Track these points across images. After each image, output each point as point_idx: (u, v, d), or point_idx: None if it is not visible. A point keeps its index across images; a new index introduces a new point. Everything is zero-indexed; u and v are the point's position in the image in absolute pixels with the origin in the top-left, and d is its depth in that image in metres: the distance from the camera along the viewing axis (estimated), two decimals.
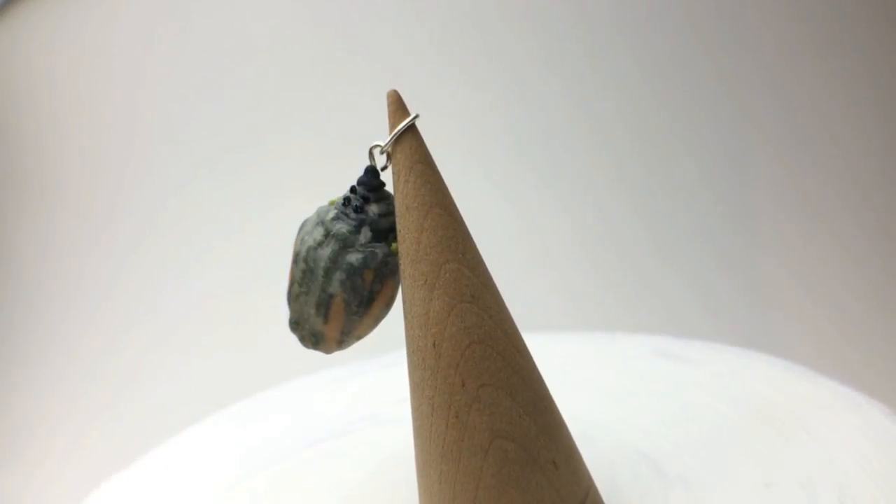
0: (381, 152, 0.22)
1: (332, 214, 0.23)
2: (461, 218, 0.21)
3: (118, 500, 0.32)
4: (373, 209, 0.22)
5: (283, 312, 0.75)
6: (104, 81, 0.70)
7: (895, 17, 0.64)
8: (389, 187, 0.22)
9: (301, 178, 0.68)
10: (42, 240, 0.73)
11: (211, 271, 0.70)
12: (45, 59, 0.70)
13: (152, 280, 0.70)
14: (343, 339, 0.23)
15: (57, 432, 0.67)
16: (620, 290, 0.66)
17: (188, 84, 0.69)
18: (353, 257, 0.22)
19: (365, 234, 0.22)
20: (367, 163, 0.22)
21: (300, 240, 0.23)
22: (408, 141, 0.21)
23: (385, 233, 0.22)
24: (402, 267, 0.21)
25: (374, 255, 0.22)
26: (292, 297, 0.23)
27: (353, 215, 0.22)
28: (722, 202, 0.67)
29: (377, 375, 0.39)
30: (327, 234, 0.22)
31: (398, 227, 0.21)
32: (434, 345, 0.20)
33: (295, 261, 0.23)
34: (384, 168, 0.22)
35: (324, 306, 0.23)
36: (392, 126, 0.21)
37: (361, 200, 0.22)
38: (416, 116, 0.21)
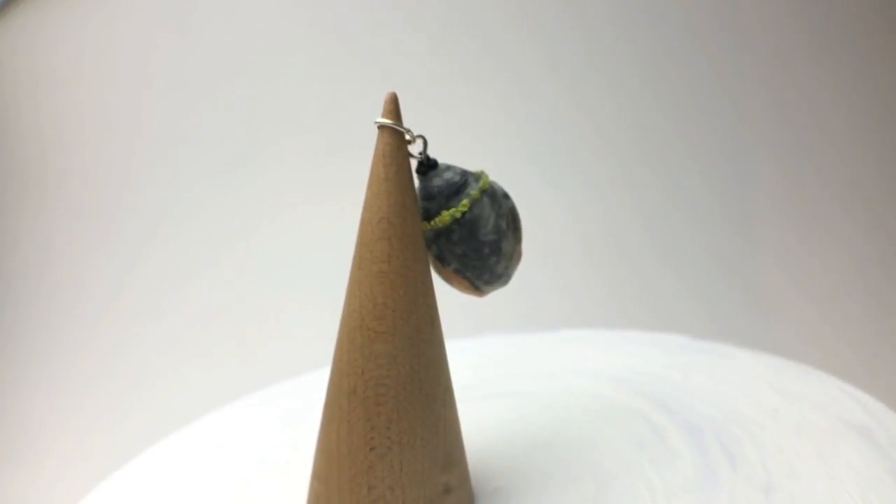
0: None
1: None
2: (374, 226, 0.24)
3: (124, 494, 0.32)
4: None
5: (285, 315, 0.75)
6: (107, 82, 0.70)
7: (894, 21, 0.65)
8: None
9: (305, 182, 0.68)
10: (44, 242, 0.73)
11: (214, 273, 0.70)
12: (47, 59, 0.70)
13: (155, 283, 0.71)
14: None
15: (60, 433, 0.68)
16: (621, 290, 0.66)
17: (192, 85, 0.69)
18: None
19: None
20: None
21: None
22: (377, 146, 0.24)
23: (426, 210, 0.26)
24: None
25: None
26: None
27: None
28: (722, 205, 0.67)
29: None
30: None
31: None
32: None
33: None
34: (424, 155, 0.25)
35: None
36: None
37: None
38: (382, 125, 0.24)
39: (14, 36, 0.70)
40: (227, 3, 0.68)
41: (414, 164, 0.25)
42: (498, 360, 0.41)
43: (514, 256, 0.27)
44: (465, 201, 0.25)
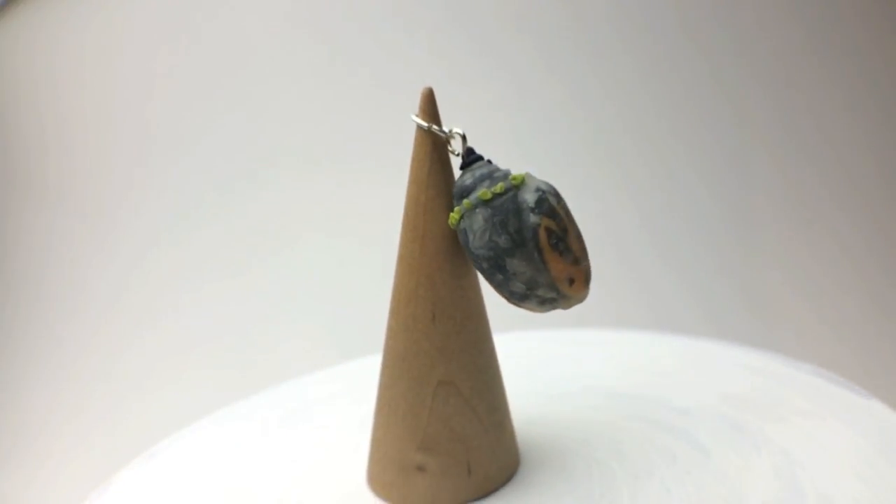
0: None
1: None
2: (409, 216, 0.25)
3: (138, 487, 0.32)
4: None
5: (284, 317, 0.74)
6: (108, 82, 0.70)
7: (894, 21, 0.65)
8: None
9: (307, 185, 0.68)
10: (45, 244, 0.73)
11: (214, 275, 0.70)
12: (47, 59, 0.70)
13: (156, 284, 0.70)
14: None
15: (60, 433, 0.68)
16: (621, 290, 0.66)
17: (194, 86, 0.69)
18: None
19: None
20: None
21: None
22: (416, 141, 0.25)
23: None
24: None
25: None
26: None
27: None
28: (721, 205, 0.67)
29: None
30: None
31: None
32: None
33: None
34: (462, 152, 0.25)
35: None
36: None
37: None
38: (414, 120, 0.25)
39: (14, 36, 0.70)
40: (232, 4, 0.68)
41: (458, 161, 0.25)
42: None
43: (540, 280, 0.23)
44: (456, 208, 0.24)
